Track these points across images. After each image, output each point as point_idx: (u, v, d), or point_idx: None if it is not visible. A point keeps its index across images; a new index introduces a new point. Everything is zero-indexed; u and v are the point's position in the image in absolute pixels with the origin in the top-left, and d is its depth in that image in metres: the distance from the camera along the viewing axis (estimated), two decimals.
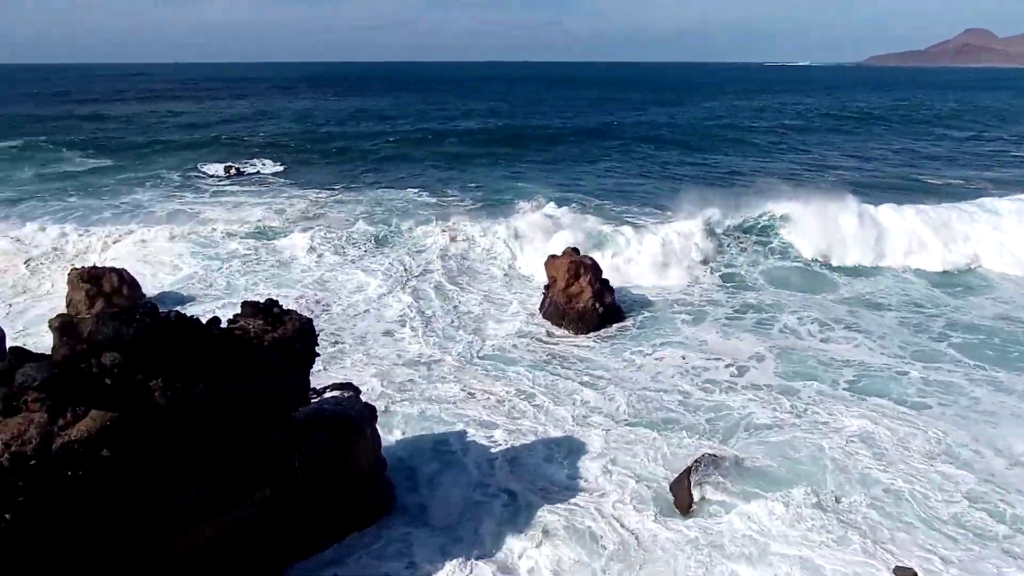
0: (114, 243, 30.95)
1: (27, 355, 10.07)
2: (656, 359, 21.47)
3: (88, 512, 9.67)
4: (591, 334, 23.31)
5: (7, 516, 8.87)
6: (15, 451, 8.94)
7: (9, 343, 12.16)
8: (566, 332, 23.48)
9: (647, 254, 29.78)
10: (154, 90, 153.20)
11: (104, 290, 23.42)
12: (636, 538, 13.34)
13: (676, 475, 15.03)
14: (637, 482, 15.10)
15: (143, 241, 31.03)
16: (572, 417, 17.90)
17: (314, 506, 12.72)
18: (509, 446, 16.49)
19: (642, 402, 18.67)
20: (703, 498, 14.27)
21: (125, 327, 10.05)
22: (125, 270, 24.68)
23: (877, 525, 13.58)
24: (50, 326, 20.18)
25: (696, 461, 15.20)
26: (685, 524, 13.71)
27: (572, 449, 16.40)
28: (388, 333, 23.26)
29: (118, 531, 10.00)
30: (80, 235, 31.66)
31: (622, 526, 13.66)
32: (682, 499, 14.35)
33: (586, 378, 20.16)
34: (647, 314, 24.98)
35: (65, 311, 22.74)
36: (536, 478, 15.23)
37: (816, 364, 20.87)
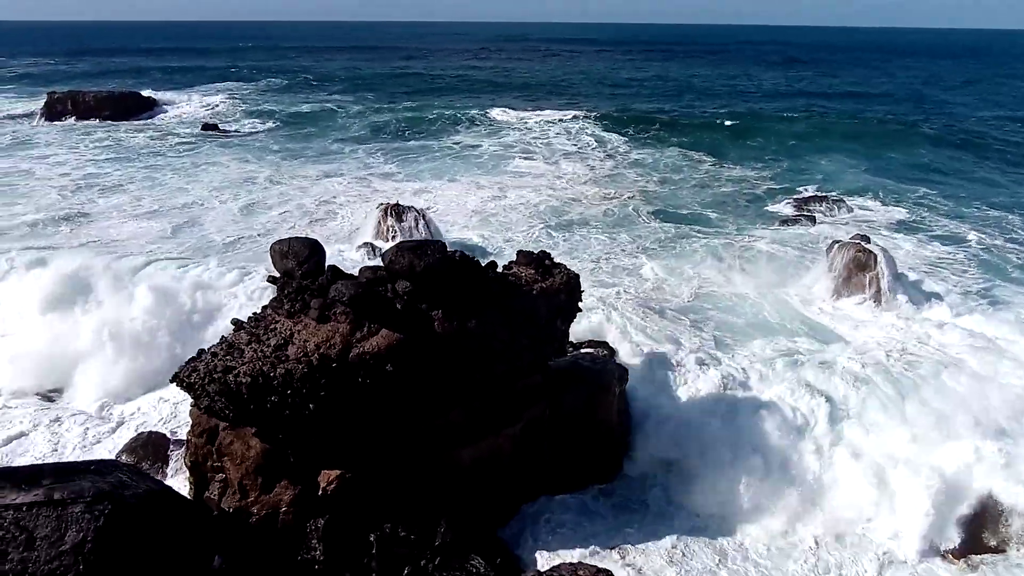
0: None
1: (340, 273, 11.69)
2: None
3: (370, 417, 11.14)
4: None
5: (311, 406, 10.54)
6: (323, 353, 10.54)
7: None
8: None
9: None
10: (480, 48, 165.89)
11: (403, 225, 26.35)
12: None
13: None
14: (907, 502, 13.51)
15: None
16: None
17: (557, 452, 13.34)
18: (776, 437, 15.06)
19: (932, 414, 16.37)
20: (974, 549, 12.27)
21: (418, 259, 11.20)
22: (424, 210, 27.50)
23: None
24: (358, 251, 23.01)
25: (979, 500, 13.06)
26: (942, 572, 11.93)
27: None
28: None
29: (392, 437, 11.39)
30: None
31: (874, 556, 12.39)
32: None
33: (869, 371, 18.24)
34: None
35: (371, 240, 26.03)
36: (799, 477, 13.81)
37: None
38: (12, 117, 57.57)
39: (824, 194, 35.04)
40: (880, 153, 46.47)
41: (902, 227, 30.68)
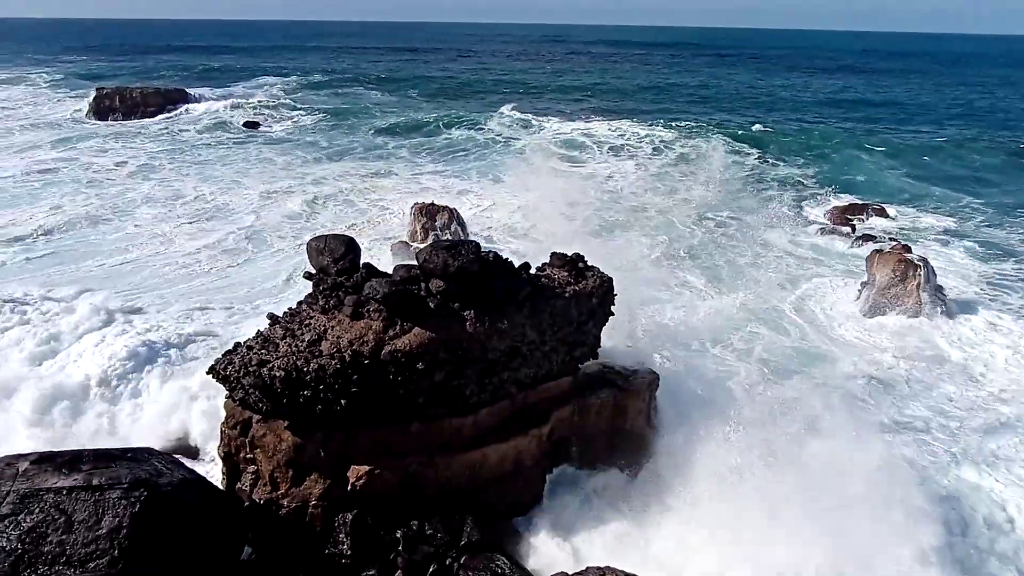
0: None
1: (374, 271, 11.79)
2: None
3: (400, 414, 11.22)
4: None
5: (343, 402, 10.66)
6: (355, 349, 10.65)
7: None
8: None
9: None
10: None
11: (436, 224, 26.52)
12: None
13: None
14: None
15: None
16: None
17: (582, 453, 13.27)
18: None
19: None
20: None
21: (452, 259, 11.24)
22: (456, 209, 27.64)
23: None
24: (392, 250, 23.19)
25: None
26: None
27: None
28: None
29: (421, 435, 11.46)
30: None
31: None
32: None
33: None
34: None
35: (406, 239, 26.24)
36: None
37: None
38: (63, 111, 59.28)
39: (867, 201, 34.46)
40: (928, 161, 45.61)
41: (950, 238, 30.04)
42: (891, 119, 63.92)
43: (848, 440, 13.75)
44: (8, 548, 8.35)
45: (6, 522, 8.49)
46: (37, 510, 8.60)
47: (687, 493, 12.80)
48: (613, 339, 16.50)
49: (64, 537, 8.51)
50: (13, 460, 9.27)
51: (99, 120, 56.23)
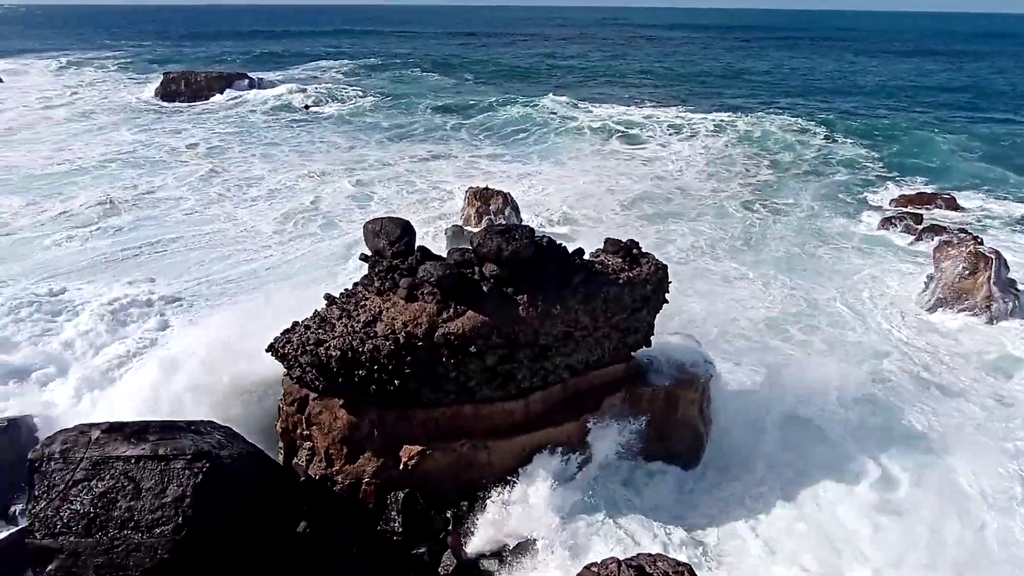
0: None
1: (429, 254, 11.92)
2: None
3: (452, 396, 11.36)
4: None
5: (396, 382, 10.84)
6: (409, 331, 10.81)
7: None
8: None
9: None
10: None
11: (490, 209, 26.57)
12: None
13: None
14: None
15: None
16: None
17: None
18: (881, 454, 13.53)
19: None
20: None
21: (505, 243, 11.27)
22: (510, 194, 27.63)
23: None
24: (446, 233, 23.30)
25: None
26: None
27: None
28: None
29: (473, 418, 11.58)
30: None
31: None
32: None
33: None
34: None
35: (460, 223, 26.38)
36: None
37: None
38: (133, 94, 61.34)
39: (936, 191, 33.15)
40: (1006, 147, 43.51)
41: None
42: (968, 104, 61.08)
43: (916, 457, 13.37)
44: (82, 511, 8.81)
45: (80, 487, 8.95)
46: (108, 476, 9.04)
47: (741, 487, 12.70)
48: (667, 327, 16.43)
49: (132, 503, 8.92)
50: (86, 429, 9.73)
51: (166, 103, 57.97)
